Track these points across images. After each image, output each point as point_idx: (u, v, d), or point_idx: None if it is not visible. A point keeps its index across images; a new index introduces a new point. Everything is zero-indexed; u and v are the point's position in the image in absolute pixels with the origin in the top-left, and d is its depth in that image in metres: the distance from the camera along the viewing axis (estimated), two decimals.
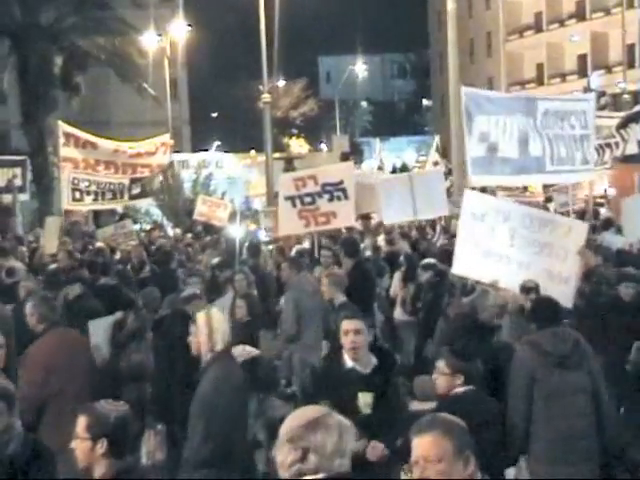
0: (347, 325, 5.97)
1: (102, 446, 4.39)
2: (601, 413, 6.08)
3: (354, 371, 5.90)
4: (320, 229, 12.71)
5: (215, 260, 13.44)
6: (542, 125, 10.05)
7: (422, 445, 3.50)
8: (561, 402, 6.00)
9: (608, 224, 14.05)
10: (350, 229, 18.61)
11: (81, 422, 4.48)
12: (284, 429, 3.54)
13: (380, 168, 20.51)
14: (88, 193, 19.96)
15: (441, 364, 5.76)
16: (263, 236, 18.10)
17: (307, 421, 3.52)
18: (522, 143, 9.77)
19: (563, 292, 8.10)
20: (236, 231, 16.42)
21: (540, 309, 6.73)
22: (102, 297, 9.75)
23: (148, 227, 24.55)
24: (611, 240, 12.68)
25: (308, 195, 12.09)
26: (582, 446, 5.96)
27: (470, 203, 8.78)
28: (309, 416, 3.55)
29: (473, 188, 10.08)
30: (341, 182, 12.05)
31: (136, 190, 20.94)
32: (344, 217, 12.45)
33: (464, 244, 8.79)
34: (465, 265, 8.71)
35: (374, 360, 5.95)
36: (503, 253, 8.51)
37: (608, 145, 14.17)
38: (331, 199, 12.00)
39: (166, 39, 40.84)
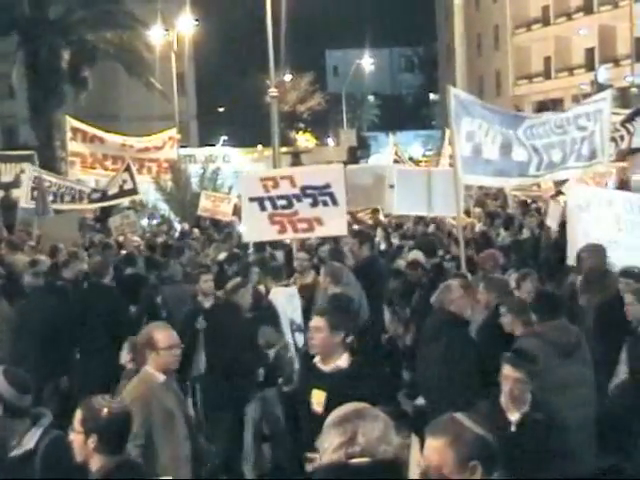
0: (311, 322, 6.03)
1: (93, 441, 4.44)
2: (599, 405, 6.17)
3: (314, 368, 5.89)
4: (301, 236, 11.44)
5: (223, 254, 13.55)
6: (525, 137, 10.02)
7: (429, 448, 3.40)
8: (566, 393, 6.05)
9: None
10: (361, 222, 18.68)
11: (78, 415, 4.54)
12: (330, 419, 3.55)
13: (397, 161, 20.31)
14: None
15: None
16: None
17: (354, 409, 3.57)
18: (504, 148, 9.76)
19: None
20: (242, 225, 16.42)
21: (542, 301, 6.81)
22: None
23: (155, 222, 24.57)
24: None
25: (282, 198, 10.70)
26: (583, 437, 6.02)
27: (574, 195, 9.17)
28: (355, 406, 3.61)
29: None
30: (327, 186, 10.71)
31: (96, 195, 20.70)
32: (333, 225, 10.90)
33: (575, 235, 9.02)
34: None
35: (344, 361, 5.78)
36: (612, 239, 8.70)
37: (613, 139, 14.19)
38: (314, 204, 10.62)
39: (173, 33, 40.89)
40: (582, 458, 5.95)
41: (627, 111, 15.52)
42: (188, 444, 5.73)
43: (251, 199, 10.80)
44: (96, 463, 4.46)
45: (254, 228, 11.05)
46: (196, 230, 20.12)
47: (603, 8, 57.33)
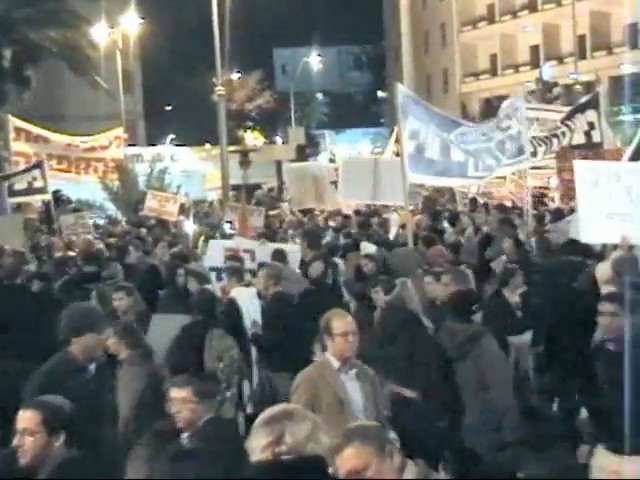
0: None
1: (59, 439, 4.43)
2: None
3: None
4: None
5: (171, 253, 13.43)
6: (457, 141, 10.11)
7: (347, 460, 3.52)
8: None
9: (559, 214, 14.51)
10: (313, 217, 18.65)
11: (32, 417, 4.46)
12: (260, 418, 3.65)
13: (332, 160, 20.42)
14: None
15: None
16: (227, 229, 18.03)
17: (283, 410, 3.68)
18: (443, 149, 9.83)
19: None
20: (190, 225, 16.36)
21: (456, 301, 7.28)
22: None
23: (101, 222, 24.28)
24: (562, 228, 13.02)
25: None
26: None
27: (582, 172, 9.13)
28: (286, 407, 3.75)
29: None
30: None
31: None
32: None
33: (587, 211, 9.07)
34: (592, 231, 9.03)
35: None
36: (625, 211, 8.81)
37: (555, 135, 14.40)
38: None
39: (118, 31, 40.46)
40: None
41: (567, 109, 15.79)
42: None
43: (211, 269, 10.64)
44: (57, 460, 4.44)
45: None
46: (143, 230, 19.91)
47: (547, 6, 58.11)
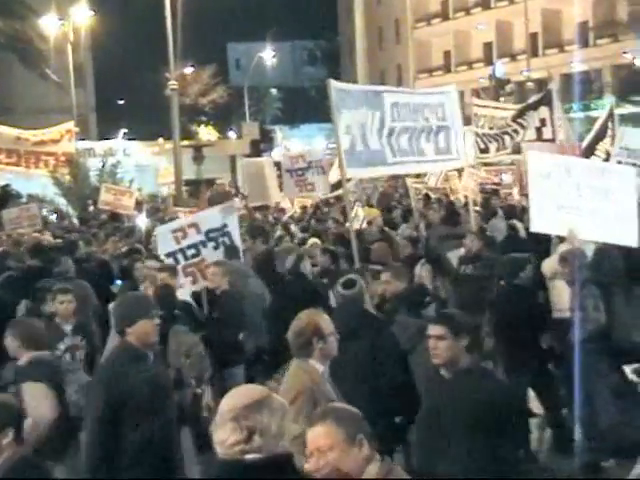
0: None
1: (8, 435, 4.40)
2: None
3: None
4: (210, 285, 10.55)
5: (124, 249, 13.30)
6: (391, 118, 10.06)
7: (314, 436, 3.56)
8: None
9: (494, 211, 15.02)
10: (267, 213, 18.62)
11: None
12: (226, 406, 3.54)
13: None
14: None
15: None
16: None
17: (252, 401, 3.54)
18: (363, 138, 9.77)
19: (629, 232, 8.87)
20: (143, 219, 16.20)
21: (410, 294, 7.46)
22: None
23: (53, 216, 23.96)
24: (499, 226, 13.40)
25: (191, 247, 10.40)
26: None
27: (534, 164, 9.29)
28: (254, 396, 3.58)
29: (348, 180, 10.40)
30: (225, 226, 10.58)
31: None
32: None
33: (537, 203, 9.21)
34: (542, 222, 9.19)
35: None
36: (573, 205, 8.98)
37: (506, 133, 14.53)
38: (217, 247, 10.43)
39: (68, 24, 39.89)
40: None
41: (517, 106, 15.94)
42: None
43: (167, 254, 10.45)
44: (5, 456, 4.40)
45: None
46: (95, 225, 19.67)
47: (500, 4, 58.68)
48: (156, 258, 10.69)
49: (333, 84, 9.71)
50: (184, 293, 9.61)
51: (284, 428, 3.54)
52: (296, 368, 5.49)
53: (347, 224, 14.81)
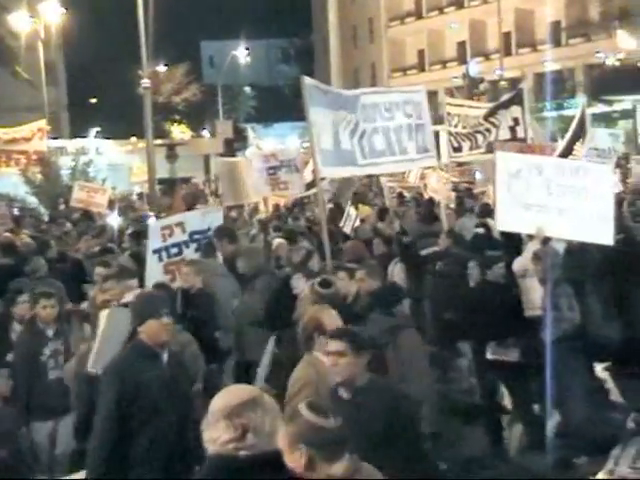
0: None
1: None
2: None
3: None
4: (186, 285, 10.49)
5: (96, 248, 13.20)
6: (363, 120, 10.03)
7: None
8: None
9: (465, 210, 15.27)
10: (242, 213, 18.57)
11: None
12: (219, 404, 3.53)
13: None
14: None
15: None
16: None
17: (246, 399, 3.53)
18: (335, 137, 9.73)
19: (604, 230, 8.86)
20: (115, 218, 16.11)
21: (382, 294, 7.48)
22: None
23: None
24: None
25: (175, 245, 10.54)
26: None
27: (503, 163, 9.36)
28: (247, 394, 3.58)
29: (322, 178, 10.40)
30: (209, 229, 10.75)
31: None
32: None
33: (504, 201, 9.28)
34: (509, 220, 9.28)
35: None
36: (542, 203, 9.04)
37: (479, 132, 14.57)
38: (198, 249, 10.59)
39: (39, 21, 39.53)
40: None
41: (489, 105, 16.00)
42: None
43: (154, 251, 10.52)
44: None
45: (151, 280, 10.03)
46: (68, 224, 19.51)
47: (473, 3, 58.94)
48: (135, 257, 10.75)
49: (307, 81, 9.66)
50: None
51: (277, 427, 3.54)
52: (303, 361, 5.77)
53: (341, 223, 14.94)
